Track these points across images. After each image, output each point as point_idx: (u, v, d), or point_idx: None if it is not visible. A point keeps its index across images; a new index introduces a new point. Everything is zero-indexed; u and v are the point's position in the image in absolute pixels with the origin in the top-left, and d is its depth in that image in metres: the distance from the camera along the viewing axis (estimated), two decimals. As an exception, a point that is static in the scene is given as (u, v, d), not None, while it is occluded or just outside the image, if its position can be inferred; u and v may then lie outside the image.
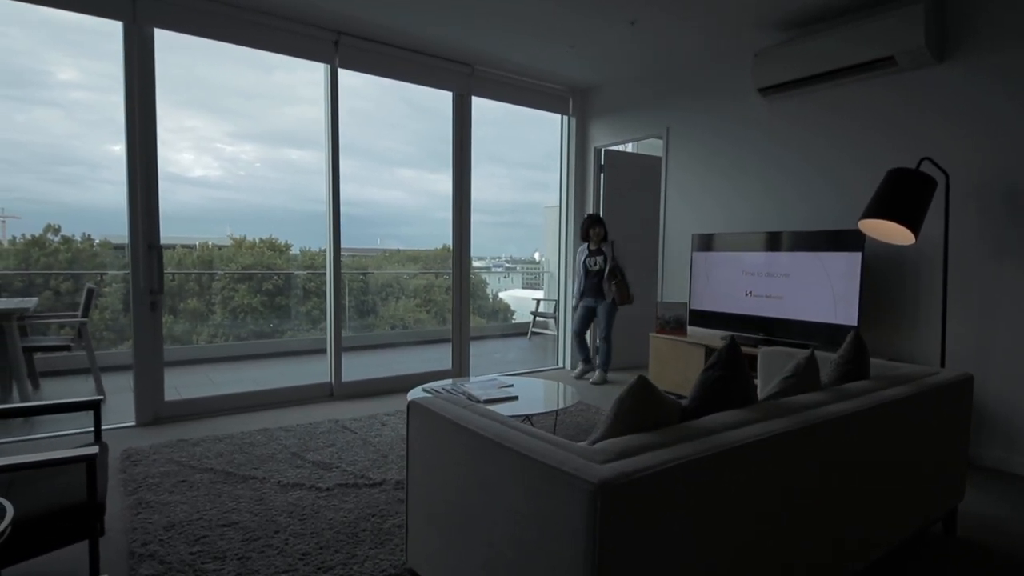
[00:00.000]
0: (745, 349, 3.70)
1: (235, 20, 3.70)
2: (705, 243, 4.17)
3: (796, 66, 3.65)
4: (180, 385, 4.86)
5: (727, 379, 1.67)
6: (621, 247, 4.88)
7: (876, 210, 2.96)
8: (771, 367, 2.88)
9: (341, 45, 4.10)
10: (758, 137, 4.09)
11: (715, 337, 4.04)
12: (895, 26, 3.17)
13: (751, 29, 3.84)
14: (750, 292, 3.88)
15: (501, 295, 10.98)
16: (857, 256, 3.33)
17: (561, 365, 5.68)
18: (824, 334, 3.48)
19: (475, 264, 11.06)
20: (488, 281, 11.15)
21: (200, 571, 1.92)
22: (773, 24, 3.75)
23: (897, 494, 1.90)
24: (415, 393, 3.19)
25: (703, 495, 1.27)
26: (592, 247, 4.90)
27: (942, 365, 3.09)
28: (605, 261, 4.79)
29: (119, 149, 3.57)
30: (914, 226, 2.89)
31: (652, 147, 6.15)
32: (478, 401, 3.04)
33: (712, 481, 1.29)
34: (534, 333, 8.16)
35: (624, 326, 5.54)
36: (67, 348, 4.29)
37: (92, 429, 3.49)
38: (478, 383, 3.45)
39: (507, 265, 13.51)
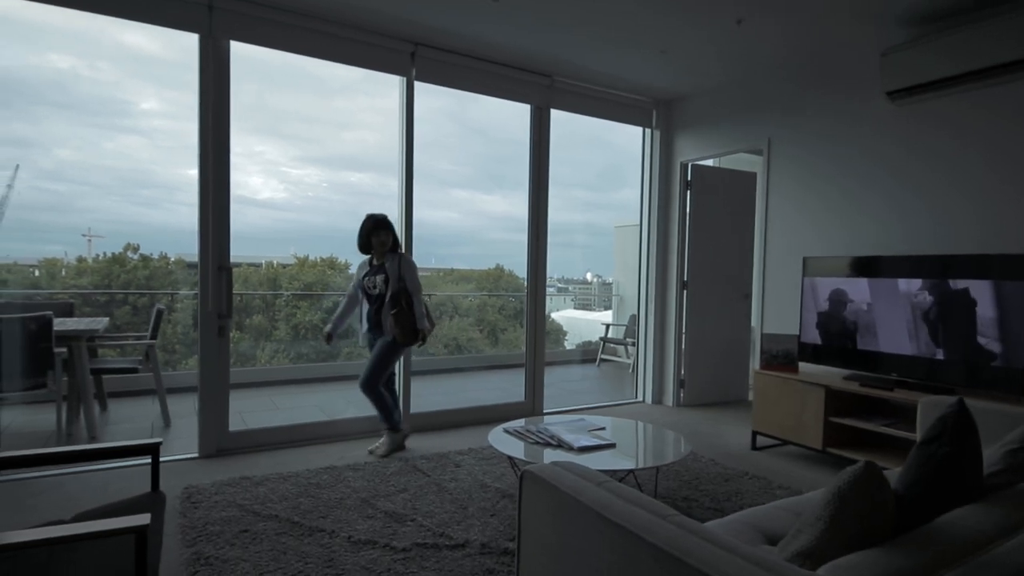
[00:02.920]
0: (875, 392, 3.17)
1: (311, 32, 3.53)
2: (820, 268, 3.66)
3: (934, 65, 3.15)
4: (244, 411, 4.69)
5: (957, 458, 1.23)
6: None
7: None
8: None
9: (418, 56, 3.88)
10: (883, 147, 3.59)
11: (836, 376, 3.51)
12: (1074, 12, 2.65)
13: (872, 26, 3.38)
14: (880, 325, 3.34)
15: (554, 316, 10.63)
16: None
17: (640, 398, 5.22)
18: (979, 376, 2.92)
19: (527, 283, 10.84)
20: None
21: (263, 660, 1.61)
22: (897, 19, 3.29)
23: None
24: (497, 435, 2.84)
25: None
26: (376, 261, 3.58)
27: None
28: (387, 282, 3.51)
29: (193, 173, 3.44)
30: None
31: (737, 162, 5.68)
32: (571, 448, 2.66)
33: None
34: (603, 360, 7.71)
35: (707, 358, 5.05)
36: (134, 370, 4.18)
37: (168, 459, 3.32)
38: (564, 424, 3.06)
39: (559, 286, 13.19)
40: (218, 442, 3.45)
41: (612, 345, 7.69)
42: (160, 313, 4.34)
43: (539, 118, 4.50)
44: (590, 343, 8.70)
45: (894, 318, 3.28)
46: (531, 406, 4.60)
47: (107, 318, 4.56)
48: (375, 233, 3.51)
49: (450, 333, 8.50)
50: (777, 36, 3.59)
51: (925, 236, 3.38)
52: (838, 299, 3.55)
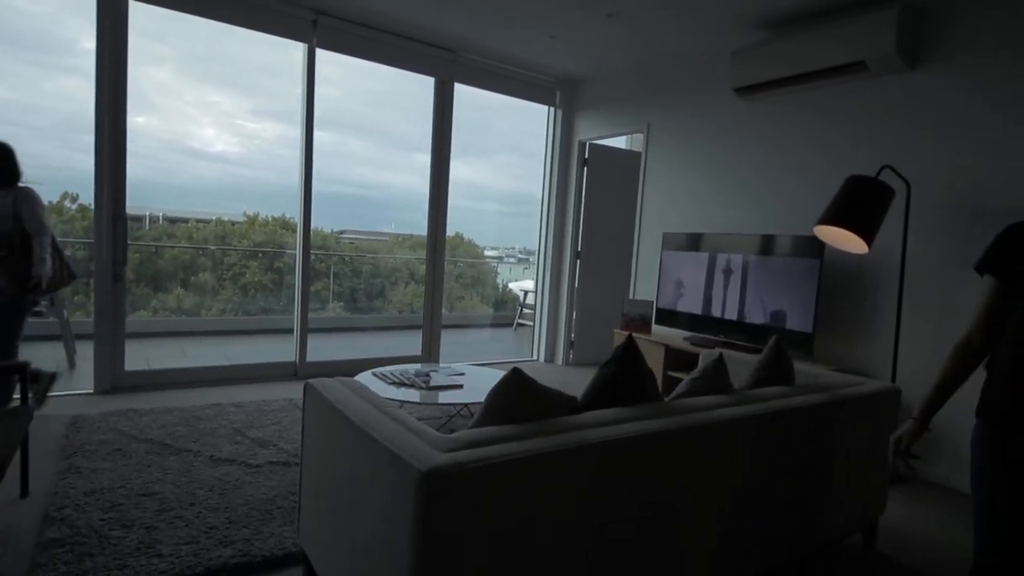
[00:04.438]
0: (699, 350, 3.67)
1: (210, -5, 3.70)
2: (675, 242, 4.13)
3: (772, 67, 3.59)
4: (152, 356, 4.92)
5: (620, 376, 1.65)
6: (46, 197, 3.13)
7: (831, 217, 2.92)
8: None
9: (319, 25, 4.09)
10: (736, 137, 4.03)
11: (677, 337, 4.01)
12: (867, 31, 3.10)
13: (730, 27, 3.77)
14: (713, 293, 3.84)
15: (511, 286, 10.95)
16: (816, 263, 3.28)
17: (534, 357, 5.68)
18: (784, 338, 3.44)
19: (488, 253, 11.09)
20: (499, 271, 11.10)
21: (104, 537, 1.95)
22: (753, 23, 3.68)
23: (800, 503, 1.88)
24: (364, 376, 3.21)
25: (552, 491, 1.26)
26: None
27: (893, 377, 3.05)
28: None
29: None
30: (868, 235, 2.84)
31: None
32: (422, 387, 3.05)
33: (563, 477, 1.28)
34: (520, 324, 8.16)
35: (594, 322, 5.52)
36: (39, 314, 4.35)
37: (62, 394, 3.56)
38: (429, 369, 3.45)
39: (519, 256, 13.48)
40: (113, 380, 3.71)
41: (529, 310, 8.14)
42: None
43: (442, 91, 4.77)
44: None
45: (726, 287, 3.78)
46: (427, 359, 4.98)
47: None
48: None
49: (405, 299, 8.75)
50: (649, 30, 3.95)
51: (774, 216, 3.85)
52: (686, 270, 4.02)
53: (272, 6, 3.90)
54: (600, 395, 1.64)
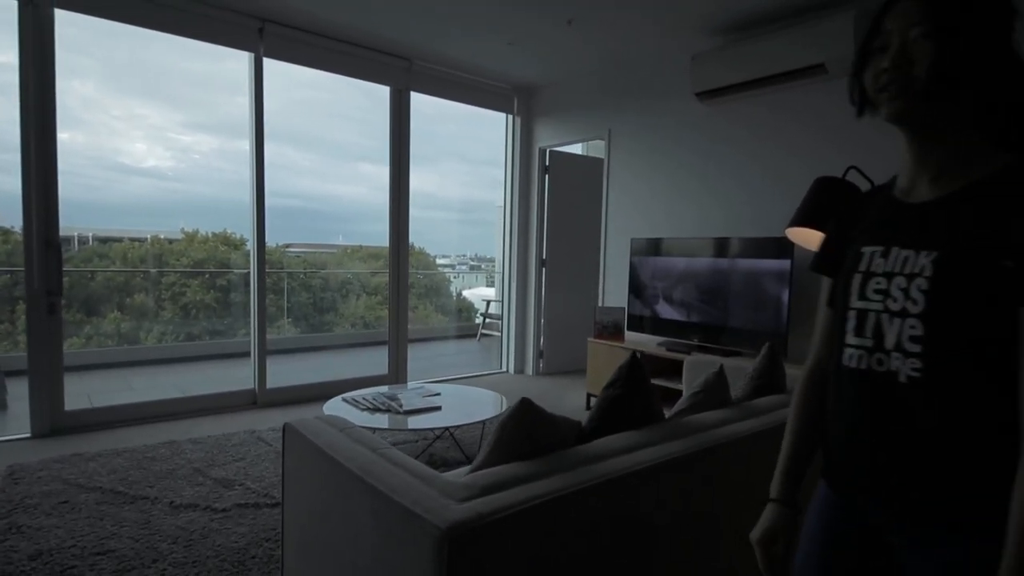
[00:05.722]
0: (674, 355, 3.66)
1: (148, 1, 3.45)
2: (643, 247, 4.12)
3: (733, 71, 3.61)
4: (94, 391, 4.56)
5: (627, 397, 1.57)
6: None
7: (801, 218, 2.94)
8: (697, 376, 2.81)
9: (266, 33, 3.88)
10: (700, 141, 4.05)
11: (651, 343, 3.98)
12: (825, 33, 3.15)
13: (691, 32, 3.79)
14: (686, 297, 3.84)
15: (465, 293, 10.82)
16: (786, 263, 3.31)
17: (504, 369, 5.57)
18: (756, 341, 3.46)
19: (440, 262, 10.93)
20: (452, 279, 10.97)
21: (55, 610, 1.73)
22: (713, 28, 3.71)
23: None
24: (333, 404, 3.03)
25: (579, 530, 1.16)
26: None
27: (867, 374, 3.09)
28: None
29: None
30: (839, 235, 2.87)
31: (601, 149, 6.09)
32: (398, 412, 2.90)
33: (590, 514, 1.18)
34: (483, 335, 8.04)
35: (563, 330, 5.47)
36: (-39, 352, 3.95)
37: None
38: (402, 391, 3.30)
39: (471, 263, 13.35)
40: (52, 421, 3.39)
41: (493, 320, 8.03)
42: (-10, 291, 4.11)
43: (398, 100, 4.63)
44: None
45: (697, 291, 3.78)
46: (394, 378, 4.80)
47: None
48: None
49: (357, 312, 8.47)
50: (610, 36, 3.93)
51: (743, 219, 3.86)
52: (657, 275, 4.01)
53: (215, 14, 3.67)
54: (607, 420, 1.55)
